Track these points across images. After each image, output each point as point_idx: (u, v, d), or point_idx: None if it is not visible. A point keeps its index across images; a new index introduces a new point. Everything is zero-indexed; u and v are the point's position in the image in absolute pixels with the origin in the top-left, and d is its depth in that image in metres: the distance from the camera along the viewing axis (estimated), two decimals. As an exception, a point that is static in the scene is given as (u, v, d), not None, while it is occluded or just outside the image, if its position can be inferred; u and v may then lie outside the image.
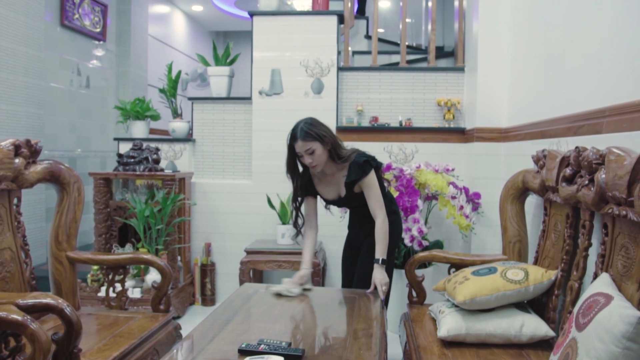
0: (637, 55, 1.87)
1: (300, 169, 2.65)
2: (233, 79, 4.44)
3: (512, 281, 2.13)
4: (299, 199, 2.69)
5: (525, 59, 3.19)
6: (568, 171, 2.06)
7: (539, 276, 2.15)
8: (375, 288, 2.48)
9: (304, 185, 2.66)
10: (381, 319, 2.21)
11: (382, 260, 2.53)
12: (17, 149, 2.24)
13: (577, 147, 2.01)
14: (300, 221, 2.73)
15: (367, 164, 2.54)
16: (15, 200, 2.28)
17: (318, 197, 2.74)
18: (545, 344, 2.09)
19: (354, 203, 2.68)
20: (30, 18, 4.15)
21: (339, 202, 2.71)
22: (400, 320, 2.70)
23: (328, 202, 2.75)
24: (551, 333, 2.06)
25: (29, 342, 1.50)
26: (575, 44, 2.43)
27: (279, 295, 2.42)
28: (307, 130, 2.45)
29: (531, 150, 2.62)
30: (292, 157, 2.56)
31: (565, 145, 2.43)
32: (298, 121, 2.54)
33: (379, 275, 2.50)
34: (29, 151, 2.30)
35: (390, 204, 2.71)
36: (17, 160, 2.23)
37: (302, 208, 2.72)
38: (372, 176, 2.55)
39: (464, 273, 2.31)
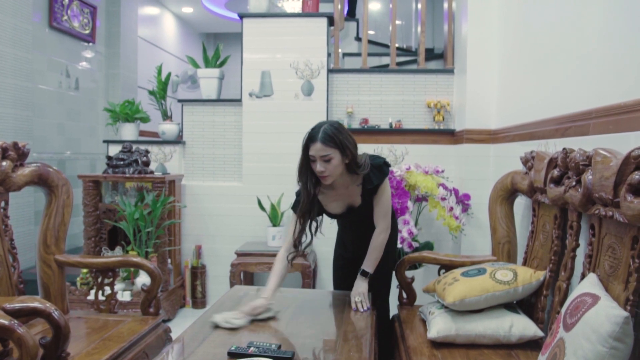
0: (622, 57, 1.89)
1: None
2: (223, 81, 4.43)
3: (501, 282, 2.14)
4: (307, 212, 2.33)
5: (514, 61, 3.21)
6: (556, 172, 2.07)
7: (528, 277, 2.17)
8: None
9: (313, 197, 2.31)
10: (371, 321, 2.22)
11: (365, 272, 2.41)
12: (4, 152, 2.23)
13: (564, 149, 2.02)
14: (305, 239, 2.37)
15: (385, 165, 2.38)
16: (2, 204, 2.27)
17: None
18: (534, 344, 2.10)
19: (367, 213, 2.43)
20: (18, 19, 4.12)
21: (347, 215, 2.44)
22: (390, 321, 2.70)
23: (333, 217, 2.50)
24: (540, 333, 2.08)
25: (16, 347, 1.49)
26: (562, 47, 2.45)
27: (217, 327, 2.05)
28: (331, 134, 2.15)
29: (520, 151, 2.64)
30: (307, 160, 2.22)
31: (553, 146, 2.45)
32: (322, 122, 2.26)
33: (357, 286, 2.38)
34: (17, 154, 2.28)
35: (392, 217, 2.55)
36: (4, 163, 2.21)
37: (290, 225, 2.39)
38: (386, 185, 2.38)
39: (453, 274, 2.32)
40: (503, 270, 2.21)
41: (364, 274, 2.42)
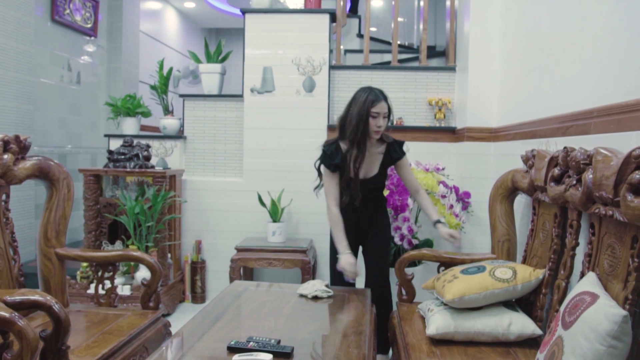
0: (625, 57, 1.89)
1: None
2: (225, 76, 4.43)
3: (500, 280, 2.15)
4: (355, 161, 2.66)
5: (516, 60, 3.21)
6: (556, 171, 2.07)
7: (527, 275, 2.17)
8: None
9: (361, 155, 2.66)
10: (371, 317, 2.23)
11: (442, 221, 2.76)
12: (5, 145, 2.23)
13: (565, 148, 2.03)
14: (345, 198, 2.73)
15: (403, 145, 2.79)
16: (3, 197, 2.27)
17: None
18: (532, 342, 2.10)
19: (374, 185, 2.77)
20: (20, 13, 4.12)
21: (364, 184, 2.72)
22: (389, 318, 2.71)
23: (353, 183, 2.69)
24: (538, 331, 2.08)
25: (16, 339, 1.49)
26: (564, 45, 2.44)
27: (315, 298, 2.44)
28: (386, 95, 2.64)
29: (521, 150, 2.64)
30: (367, 117, 2.59)
31: (554, 145, 2.45)
32: (368, 87, 2.67)
33: (444, 229, 2.70)
34: (18, 147, 2.29)
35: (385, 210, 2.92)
36: (5, 156, 2.21)
37: (330, 184, 2.70)
38: (407, 157, 2.83)
39: (453, 272, 2.33)
40: (502, 268, 2.21)
41: (439, 222, 2.74)
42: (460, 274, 2.25)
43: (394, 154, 2.74)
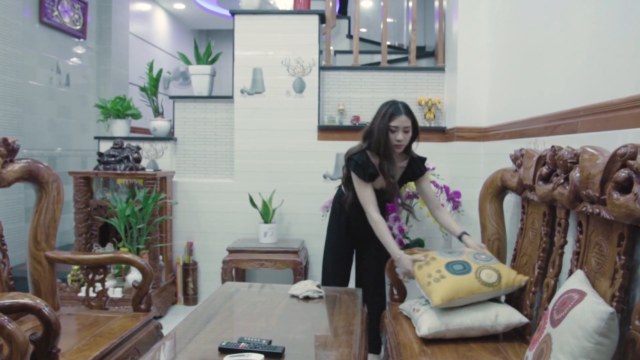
0: (610, 56, 1.91)
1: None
2: (215, 77, 4.43)
3: (486, 284, 2.17)
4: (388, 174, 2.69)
5: (504, 60, 3.23)
6: (544, 170, 2.09)
7: (511, 280, 2.22)
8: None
9: (389, 169, 2.69)
10: (362, 317, 2.24)
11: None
12: (-6, 148, 2.22)
13: (553, 147, 2.05)
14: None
15: (425, 161, 2.83)
16: (-8, 200, 2.26)
17: None
18: (521, 338, 2.13)
19: (387, 199, 2.84)
20: (7, 15, 4.09)
21: (382, 193, 2.79)
22: (381, 318, 2.72)
23: (390, 193, 2.78)
24: (524, 320, 2.13)
25: (6, 343, 1.49)
26: (551, 45, 2.47)
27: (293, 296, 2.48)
28: (409, 109, 2.64)
29: (510, 149, 2.66)
30: (387, 130, 2.61)
31: (542, 144, 2.47)
32: (392, 100, 2.68)
33: (472, 242, 2.58)
34: (6, 150, 2.27)
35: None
36: (-6, 160, 2.20)
37: (366, 192, 2.69)
38: (428, 174, 2.88)
39: (437, 265, 2.31)
40: (487, 270, 2.23)
41: (465, 234, 2.67)
42: (446, 272, 2.24)
43: (417, 170, 2.77)
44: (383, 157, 2.66)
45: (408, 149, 2.75)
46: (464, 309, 2.15)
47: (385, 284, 2.99)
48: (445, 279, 2.20)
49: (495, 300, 2.22)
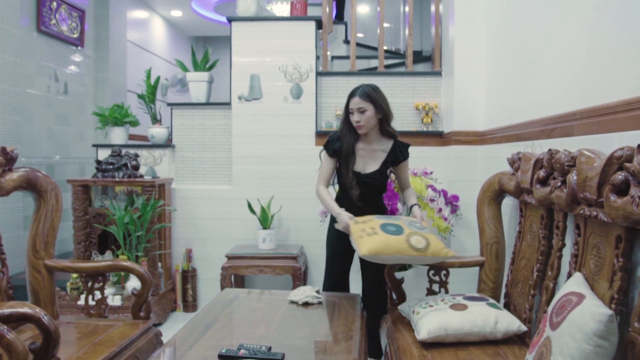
0: (605, 59, 1.92)
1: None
2: (212, 84, 4.44)
3: (413, 248, 2.30)
4: (346, 159, 2.76)
5: (500, 63, 3.24)
6: (542, 173, 2.10)
7: (438, 250, 2.34)
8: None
9: (347, 147, 2.75)
10: (361, 322, 2.24)
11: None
12: (-8, 157, 2.22)
13: (550, 150, 2.05)
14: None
15: (408, 147, 2.85)
16: (-9, 209, 2.26)
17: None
18: (520, 342, 2.13)
19: (372, 181, 2.79)
20: (5, 23, 4.10)
21: (360, 177, 2.77)
22: (380, 322, 2.72)
23: (349, 174, 2.77)
24: (523, 328, 2.13)
25: (5, 353, 1.48)
26: (547, 49, 2.48)
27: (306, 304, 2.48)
28: (367, 91, 2.70)
29: (507, 152, 2.67)
30: (347, 114, 2.75)
31: (539, 147, 2.48)
32: (361, 84, 2.80)
33: (417, 212, 2.75)
34: (5, 159, 2.27)
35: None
36: (-8, 169, 2.20)
37: (325, 167, 2.84)
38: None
39: (372, 224, 2.42)
40: (418, 237, 2.35)
41: (415, 205, 2.82)
42: (379, 230, 2.35)
43: (400, 155, 2.82)
44: (346, 137, 2.77)
45: (387, 131, 2.79)
46: (463, 313, 2.14)
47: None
48: (377, 235, 2.34)
49: (496, 307, 2.21)
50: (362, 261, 2.94)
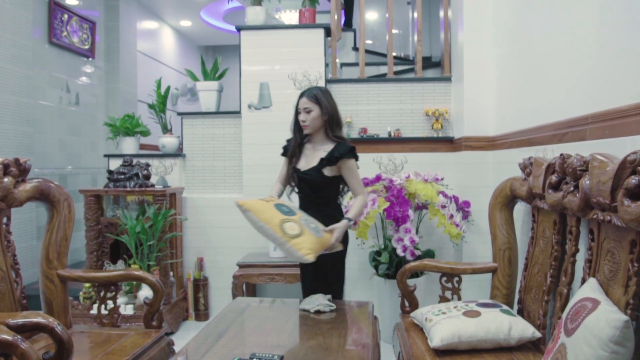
0: (616, 62, 1.91)
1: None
2: (222, 93, 4.46)
3: (282, 229, 2.37)
4: (293, 156, 2.85)
5: (510, 68, 3.23)
6: (554, 178, 2.08)
7: (299, 247, 2.34)
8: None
9: (294, 145, 2.86)
10: (373, 330, 2.22)
11: (349, 219, 2.70)
12: (5, 168, 2.24)
13: (562, 154, 2.04)
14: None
15: (354, 151, 2.77)
16: (4, 220, 2.28)
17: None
18: (534, 348, 2.11)
19: (309, 177, 2.77)
20: (17, 36, 4.15)
21: (301, 175, 2.80)
22: (393, 330, 2.71)
23: (293, 172, 2.84)
24: (537, 334, 2.10)
25: (19, 362, 1.49)
26: (557, 53, 2.47)
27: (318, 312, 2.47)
28: (316, 93, 2.77)
29: (518, 157, 2.65)
30: (296, 112, 2.81)
31: (550, 152, 2.47)
32: (312, 86, 2.92)
33: (341, 228, 2.63)
34: (18, 170, 2.30)
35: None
36: (5, 180, 2.23)
37: (282, 167, 2.94)
38: (354, 162, 2.78)
39: (273, 200, 2.61)
40: (295, 225, 2.40)
41: (349, 220, 2.70)
42: (271, 204, 2.54)
43: (335, 152, 2.73)
44: (295, 135, 2.87)
45: (332, 133, 2.79)
46: (477, 320, 2.12)
47: (344, 285, 2.90)
48: (264, 203, 2.54)
49: (510, 313, 2.19)
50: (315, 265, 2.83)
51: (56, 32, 5.11)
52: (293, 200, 2.93)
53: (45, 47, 4.99)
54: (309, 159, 2.81)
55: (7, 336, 1.51)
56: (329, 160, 2.72)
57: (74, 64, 5.47)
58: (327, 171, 2.74)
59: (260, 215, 2.44)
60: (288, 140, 2.95)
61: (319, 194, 2.79)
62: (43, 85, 4.92)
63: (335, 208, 2.85)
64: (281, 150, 2.97)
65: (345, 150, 2.72)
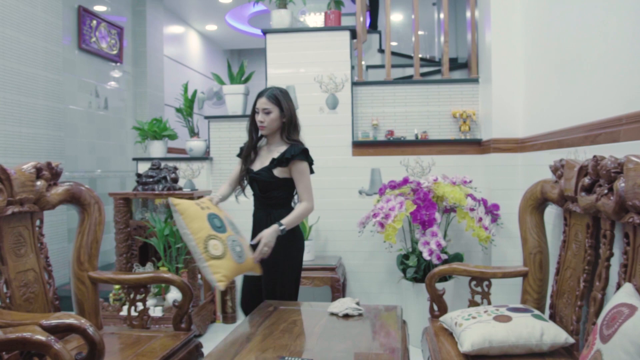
0: (653, 62, 1.86)
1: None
2: (248, 96, 4.48)
3: (207, 252, 2.35)
4: (248, 156, 2.83)
5: (540, 68, 3.18)
6: (586, 180, 2.04)
7: (215, 269, 2.34)
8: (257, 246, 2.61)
9: (249, 145, 2.83)
10: (403, 334, 2.20)
11: (283, 228, 2.63)
12: (38, 172, 2.29)
13: (595, 156, 1.99)
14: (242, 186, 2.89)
15: (307, 153, 2.74)
16: (37, 222, 2.33)
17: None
18: (569, 355, 2.06)
19: (257, 179, 2.74)
20: (48, 43, 4.24)
21: (253, 175, 2.76)
22: (422, 334, 2.68)
23: (246, 173, 2.81)
24: (571, 340, 2.05)
25: (53, 363, 1.52)
26: (588, 52, 2.42)
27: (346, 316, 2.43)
28: (276, 94, 2.71)
29: (548, 160, 2.61)
30: (254, 112, 2.78)
31: (582, 154, 2.42)
32: (271, 86, 2.82)
33: (267, 234, 2.60)
34: (50, 173, 2.34)
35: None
36: (38, 183, 2.27)
37: (234, 168, 2.91)
38: (306, 166, 2.74)
39: (214, 209, 2.63)
40: (220, 245, 2.39)
41: (281, 228, 2.63)
42: (204, 213, 2.50)
43: (287, 153, 2.69)
44: (250, 136, 2.82)
45: (288, 136, 2.75)
46: (508, 324, 2.09)
47: (298, 288, 2.86)
48: (201, 212, 2.46)
49: (541, 318, 2.15)
50: (265, 274, 2.77)
51: (85, 38, 5.21)
52: (241, 202, 3.00)
53: (75, 53, 5.09)
54: (263, 160, 2.79)
55: (42, 337, 1.53)
56: (280, 161, 2.69)
57: (103, 69, 5.56)
58: (278, 172, 2.70)
59: (190, 223, 2.36)
60: (244, 144, 2.91)
61: (268, 195, 2.75)
62: (73, 90, 5.02)
63: (288, 212, 2.74)
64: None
65: (298, 151, 2.68)
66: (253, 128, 2.81)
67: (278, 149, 2.74)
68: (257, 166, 2.79)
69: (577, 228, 2.25)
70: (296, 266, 2.81)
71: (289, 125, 2.74)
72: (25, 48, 3.95)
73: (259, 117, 2.72)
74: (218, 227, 2.41)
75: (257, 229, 2.77)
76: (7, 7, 3.74)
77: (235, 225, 2.67)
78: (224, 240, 2.37)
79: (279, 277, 2.74)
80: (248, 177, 2.80)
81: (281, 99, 2.71)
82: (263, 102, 2.70)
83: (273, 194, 2.75)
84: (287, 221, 2.66)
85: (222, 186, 2.93)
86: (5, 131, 3.74)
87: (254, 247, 2.63)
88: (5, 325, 1.68)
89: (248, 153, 2.83)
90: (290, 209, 2.78)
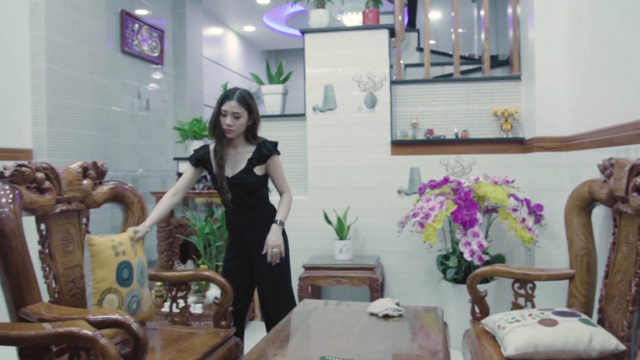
0: None
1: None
2: (287, 96, 4.50)
3: (99, 306, 2.10)
4: (203, 161, 2.75)
5: (586, 64, 3.08)
6: (638, 180, 1.96)
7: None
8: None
9: (220, 153, 2.70)
10: (444, 336, 2.17)
11: (281, 222, 2.70)
12: (85, 171, 2.35)
13: (647, 155, 1.92)
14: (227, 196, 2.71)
15: (277, 146, 2.76)
16: (84, 220, 2.38)
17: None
18: (619, 362, 1.99)
19: (241, 181, 2.68)
20: (93, 47, 4.35)
21: (232, 181, 2.68)
22: (463, 337, 2.63)
23: (219, 180, 2.69)
24: (621, 347, 1.96)
25: (99, 357, 1.55)
26: (637, 45, 2.33)
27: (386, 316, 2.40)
28: (245, 97, 2.64)
29: (596, 159, 2.52)
30: (218, 114, 2.65)
31: (634, 152, 2.33)
32: (233, 88, 2.70)
33: (273, 236, 2.66)
34: (96, 173, 2.41)
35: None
36: (85, 182, 2.33)
37: (183, 175, 2.78)
38: (280, 158, 2.78)
39: (125, 247, 2.26)
40: (115, 297, 2.14)
41: (280, 223, 2.71)
42: (114, 262, 2.18)
43: (264, 150, 2.69)
44: (218, 141, 2.70)
45: (253, 136, 2.74)
46: (554, 329, 2.02)
47: (290, 276, 2.88)
48: (114, 259, 2.16)
49: (589, 323, 2.07)
50: (258, 272, 2.80)
51: (128, 41, 5.32)
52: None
53: (118, 56, 5.21)
54: (234, 164, 2.72)
55: (88, 331, 1.57)
56: (259, 159, 2.69)
57: (144, 71, 5.67)
58: (258, 170, 2.71)
59: (96, 269, 2.09)
60: (196, 150, 2.80)
61: (254, 196, 2.74)
62: (116, 92, 5.13)
63: (272, 207, 2.83)
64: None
65: (272, 146, 2.72)
66: (219, 134, 2.68)
67: (247, 150, 2.73)
68: (229, 171, 2.71)
69: (628, 230, 2.17)
70: (285, 254, 2.81)
71: (253, 127, 2.73)
72: (72, 52, 4.05)
73: (226, 121, 2.62)
74: (124, 279, 2.19)
75: (248, 233, 2.76)
76: (55, 14, 3.85)
77: (145, 272, 2.41)
78: (122, 296, 2.17)
79: (274, 271, 2.76)
80: (226, 184, 2.68)
81: (251, 102, 2.66)
82: (233, 106, 2.61)
83: (258, 194, 2.76)
84: (283, 216, 2.74)
85: (160, 203, 2.66)
86: (54, 132, 3.85)
87: (265, 254, 2.68)
88: (55, 319, 1.73)
89: (222, 160, 2.69)
90: (272, 205, 2.85)
